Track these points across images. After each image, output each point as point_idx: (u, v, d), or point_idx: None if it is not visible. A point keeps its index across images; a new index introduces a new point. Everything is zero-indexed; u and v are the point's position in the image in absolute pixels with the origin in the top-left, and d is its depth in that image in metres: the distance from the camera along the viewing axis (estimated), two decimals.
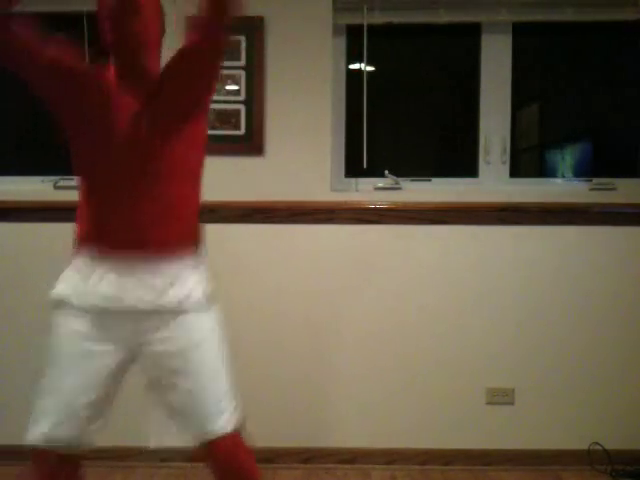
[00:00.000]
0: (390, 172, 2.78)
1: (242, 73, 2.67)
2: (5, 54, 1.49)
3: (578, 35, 2.93)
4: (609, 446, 2.63)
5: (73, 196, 2.73)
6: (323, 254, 2.67)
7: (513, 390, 2.69)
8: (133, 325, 1.52)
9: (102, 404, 1.55)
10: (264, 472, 2.56)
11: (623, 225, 2.67)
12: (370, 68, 2.83)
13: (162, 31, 1.60)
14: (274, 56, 2.66)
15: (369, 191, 2.79)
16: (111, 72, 1.56)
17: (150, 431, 1.61)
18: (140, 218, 1.49)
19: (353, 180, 2.82)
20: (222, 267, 2.69)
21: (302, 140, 2.68)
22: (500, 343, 2.69)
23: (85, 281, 1.52)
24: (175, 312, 1.52)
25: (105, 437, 2.74)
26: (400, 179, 2.78)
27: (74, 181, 2.78)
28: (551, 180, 2.95)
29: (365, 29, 2.74)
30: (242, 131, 2.68)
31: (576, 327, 2.69)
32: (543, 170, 3.07)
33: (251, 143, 2.67)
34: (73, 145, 1.57)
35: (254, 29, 2.65)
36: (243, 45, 2.66)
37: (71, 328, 1.51)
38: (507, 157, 2.82)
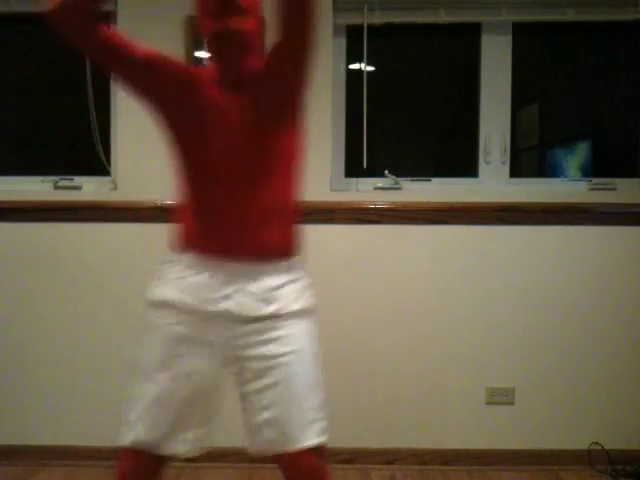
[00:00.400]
0: (390, 172, 2.78)
1: None
2: (101, 53, 1.48)
3: (578, 35, 2.93)
4: (609, 446, 2.63)
5: (73, 196, 2.75)
6: (323, 254, 2.67)
7: (513, 390, 2.69)
8: (231, 330, 1.48)
9: (197, 409, 1.51)
10: (264, 472, 2.57)
11: (623, 225, 2.67)
12: (370, 68, 2.83)
13: (263, 30, 1.56)
14: None
15: (369, 191, 2.79)
16: (209, 71, 1.53)
17: (249, 437, 1.53)
18: (242, 222, 1.46)
19: (353, 180, 2.82)
20: None
21: None
22: (500, 343, 2.69)
23: (185, 284, 1.49)
24: (274, 319, 1.48)
25: (105, 437, 2.74)
26: (400, 179, 2.78)
27: (74, 181, 2.80)
28: (551, 180, 2.95)
29: (365, 29, 2.74)
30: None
31: (576, 327, 2.69)
32: (543, 170, 3.08)
33: None
34: (173, 147, 1.53)
35: None
36: None
37: (168, 330, 1.48)
38: (507, 157, 2.82)
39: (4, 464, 2.65)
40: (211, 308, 1.47)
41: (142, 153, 2.70)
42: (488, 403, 2.69)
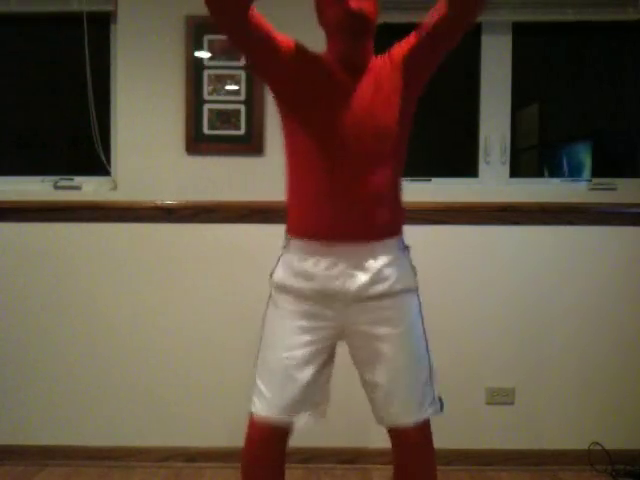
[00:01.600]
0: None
1: (242, 73, 2.68)
2: (248, 34, 1.48)
3: (578, 35, 2.93)
4: (609, 446, 2.64)
5: (73, 196, 2.75)
6: None
7: (513, 390, 2.69)
8: (346, 307, 1.54)
9: (318, 383, 1.57)
10: None
11: (623, 225, 2.67)
12: None
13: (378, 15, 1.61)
14: None
15: None
16: (330, 56, 1.57)
17: (374, 412, 1.63)
18: (355, 203, 1.50)
19: None
20: (223, 266, 2.69)
21: None
22: (500, 343, 2.69)
23: (300, 268, 1.55)
24: (385, 296, 1.54)
25: (105, 437, 2.75)
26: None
27: (74, 181, 2.80)
28: (551, 180, 2.95)
29: None
30: (242, 131, 2.68)
31: (576, 327, 2.69)
32: (543, 170, 3.07)
33: (251, 143, 2.67)
34: (294, 132, 1.57)
35: None
36: None
37: (288, 309, 1.56)
38: (507, 157, 2.82)
39: (4, 464, 2.65)
40: (325, 288, 1.53)
41: (142, 153, 2.71)
42: (488, 403, 2.70)
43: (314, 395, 1.57)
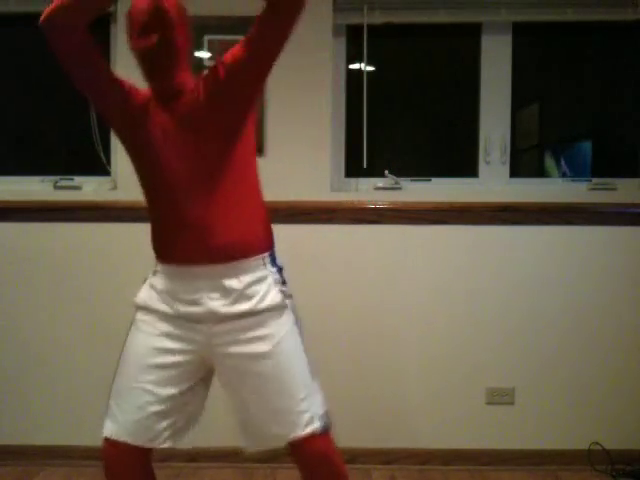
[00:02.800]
0: (390, 172, 2.78)
1: None
2: (81, 58, 1.53)
3: (578, 35, 2.93)
4: (609, 446, 2.63)
5: (73, 196, 2.75)
6: (323, 254, 2.67)
7: (513, 390, 2.69)
8: (210, 328, 1.53)
9: (178, 406, 1.55)
10: (263, 472, 2.58)
11: (623, 225, 2.67)
12: (370, 68, 2.83)
13: (189, 42, 1.62)
14: None
15: (369, 191, 2.79)
16: (149, 91, 1.58)
17: (243, 435, 1.59)
18: (199, 228, 1.50)
19: (353, 180, 2.82)
20: None
21: (302, 140, 2.68)
22: (500, 343, 2.69)
23: (161, 290, 1.56)
24: (249, 315, 1.52)
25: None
26: (400, 179, 2.78)
27: (74, 181, 2.80)
28: (551, 180, 2.96)
29: (365, 29, 2.74)
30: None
31: (576, 327, 2.69)
32: (543, 170, 3.07)
33: None
34: (130, 159, 1.61)
35: None
36: None
37: (149, 328, 1.56)
38: (507, 157, 2.82)
39: (4, 464, 2.65)
40: (188, 311, 1.52)
41: None
42: (488, 403, 2.69)
43: (173, 418, 1.54)
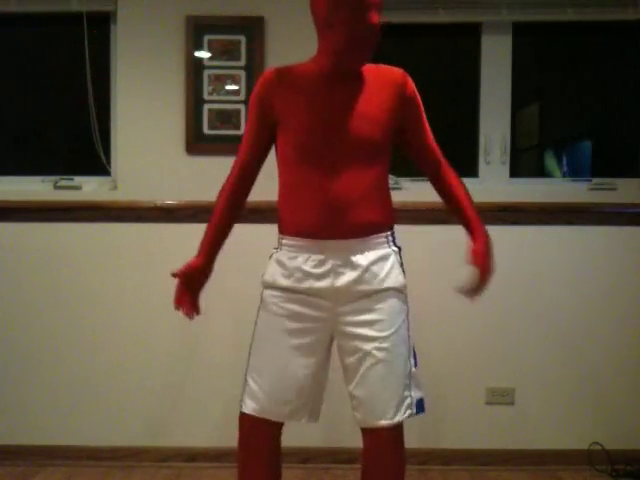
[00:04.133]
0: (390, 172, 2.77)
1: (242, 73, 2.68)
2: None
3: (578, 35, 2.93)
4: (609, 446, 2.63)
5: (73, 196, 2.75)
6: None
7: (513, 390, 2.69)
8: (335, 306, 1.57)
9: (309, 382, 1.59)
10: None
11: (623, 225, 2.67)
12: None
13: None
14: (274, 56, 2.65)
15: None
16: (314, 66, 1.63)
17: (357, 410, 1.63)
18: (343, 202, 1.54)
19: None
20: (223, 266, 2.69)
21: None
22: (500, 343, 2.69)
23: (291, 267, 1.58)
24: (373, 293, 1.56)
25: (105, 437, 2.75)
26: (400, 179, 2.77)
27: (74, 181, 2.80)
28: (551, 180, 2.96)
29: None
30: (242, 131, 2.67)
31: (576, 327, 2.69)
32: (543, 170, 3.07)
33: None
34: (279, 139, 1.66)
35: (254, 29, 2.65)
36: (243, 45, 2.67)
37: (278, 311, 1.59)
38: (507, 157, 2.82)
39: (4, 464, 2.65)
40: (314, 286, 1.56)
41: (142, 153, 2.71)
42: (488, 403, 2.69)
43: (307, 397, 1.59)
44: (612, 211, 2.68)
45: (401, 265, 1.66)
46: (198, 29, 2.66)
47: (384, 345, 1.55)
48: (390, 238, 1.64)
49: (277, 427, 1.62)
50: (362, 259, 1.56)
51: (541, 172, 3.06)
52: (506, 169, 2.82)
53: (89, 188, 2.80)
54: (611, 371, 2.68)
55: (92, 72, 2.77)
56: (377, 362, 1.54)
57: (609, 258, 2.68)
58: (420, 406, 1.64)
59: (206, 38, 2.66)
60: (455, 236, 2.70)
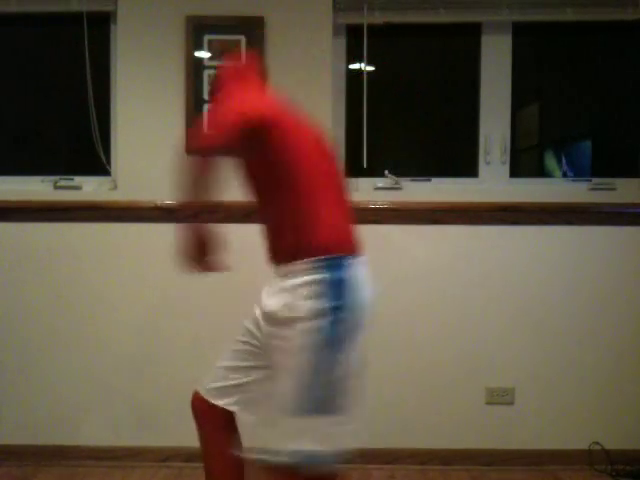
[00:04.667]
0: (390, 172, 2.78)
1: None
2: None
3: (578, 35, 2.93)
4: (609, 446, 2.64)
5: (73, 196, 2.75)
6: None
7: (513, 390, 2.69)
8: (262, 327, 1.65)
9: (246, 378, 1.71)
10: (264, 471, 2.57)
11: (623, 225, 2.67)
12: (370, 68, 2.83)
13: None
14: (274, 56, 2.65)
15: (369, 191, 2.78)
16: None
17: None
18: (267, 233, 1.69)
19: (353, 180, 2.81)
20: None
21: None
22: (500, 343, 2.69)
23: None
24: (275, 320, 1.56)
25: (105, 437, 2.75)
26: (400, 179, 2.78)
27: (74, 181, 2.80)
28: (551, 180, 2.96)
29: (365, 29, 2.74)
30: None
31: (576, 327, 2.69)
32: (543, 170, 3.07)
33: None
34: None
35: (254, 29, 2.65)
36: (243, 45, 2.67)
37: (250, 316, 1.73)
38: (507, 157, 2.82)
39: (4, 464, 2.65)
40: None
41: (142, 153, 2.71)
42: (488, 403, 2.69)
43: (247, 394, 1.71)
44: (612, 211, 2.68)
45: (324, 297, 1.52)
46: (198, 29, 2.66)
47: (280, 378, 1.53)
48: (314, 265, 1.52)
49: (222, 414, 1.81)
50: (274, 287, 1.60)
51: (541, 172, 3.06)
52: (506, 169, 2.82)
53: (89, 188, 2.80)
54: (611, 371, 2.68)
55: (92, 72, 2.77)
56: (272, 391, 1.58)
57: (609, 258, 2.68)
58: (297, 460, 1.46)
59: (206, 38, 2.66)
60: (455, 236, 2.71)
